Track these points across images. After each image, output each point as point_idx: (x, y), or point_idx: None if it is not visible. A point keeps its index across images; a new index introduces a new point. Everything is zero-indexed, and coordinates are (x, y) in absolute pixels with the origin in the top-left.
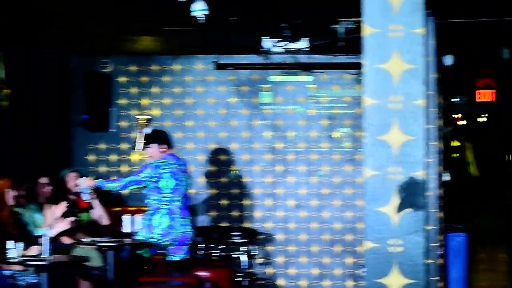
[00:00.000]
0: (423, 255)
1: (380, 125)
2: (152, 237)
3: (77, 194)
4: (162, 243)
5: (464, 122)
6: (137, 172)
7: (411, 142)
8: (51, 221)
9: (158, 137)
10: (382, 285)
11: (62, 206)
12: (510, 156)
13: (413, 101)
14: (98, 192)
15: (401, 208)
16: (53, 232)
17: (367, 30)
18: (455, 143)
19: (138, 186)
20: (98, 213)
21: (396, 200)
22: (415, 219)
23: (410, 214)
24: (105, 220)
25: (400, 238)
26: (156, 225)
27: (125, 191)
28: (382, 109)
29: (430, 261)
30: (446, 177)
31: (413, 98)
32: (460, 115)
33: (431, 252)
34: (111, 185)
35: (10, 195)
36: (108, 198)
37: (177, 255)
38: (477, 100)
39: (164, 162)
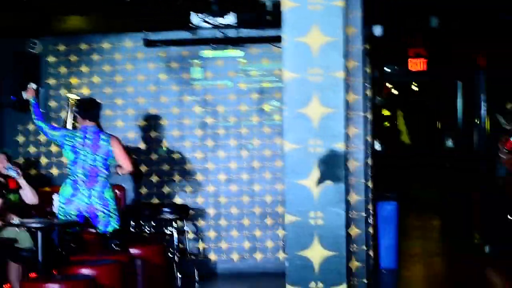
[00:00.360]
0: (344, 227)
1: (300, 99)
2: (59, 207)
3: (6, 176)
4: (68, 213)
5: (396, 92)
6: (53, 127)
7: (331, 114)
8: None
9: (80, 106)
10: (303, 257)
11: None
12: (440, 124)
13: (333, 74)
14: (26, 172)
15: (321, 180)
16: None
17: (286, 4)
18: (387, 113)
19: (43, 134)
20: (27, 193)
21: (316, 173)
22: (336, 192)
23: (331, 187)
24: (34, 200)
25: (321, 211)
26: (61, 193)
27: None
28: (302, 82)
29: (359, 231)
30: (378, 146)
31: (333, 70)
32: (392, 85)
33: (360, 221)
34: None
35: None
36: (36, 179)
37: (103, 227)
38: (409, 69)
39: (71, 133)
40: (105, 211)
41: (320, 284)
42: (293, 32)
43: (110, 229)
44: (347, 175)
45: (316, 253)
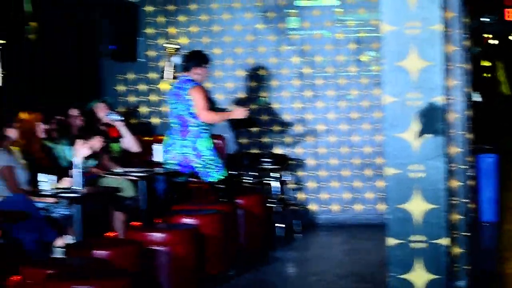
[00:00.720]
0: (444, 180)
1: (398, 52)
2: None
3: (108, 124)
4: (168, 163)
5: (496, 41)
6: None
7: (429, 67)
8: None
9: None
10: (404, 210)
11: (98, 140)
12: None
13: (430, 27)
14: (126, 121)
15: (420, 134)
16: (82, 154)
17: None
18: (486, 63)
19: None
20: (129, 141)
21: (415, 126)
22: (435, 145)
23: (430, 140)
24: (135, 148)
25: (421, 164)
26: (163, 143)
27: None
28: (400, 35)
29: (459, 184)
30: (477, 97)
31: (430, 23)
32: (490, 35)
33: (459, 174)
34: None
35: (40, 129)
36: (136, 128)
37: (204, 178)
38: (506, 19)
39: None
40: (200, 162)
41: (421, 237)
42: None
43: (212, 180)
44: (446, 128)
45: (416, 206)
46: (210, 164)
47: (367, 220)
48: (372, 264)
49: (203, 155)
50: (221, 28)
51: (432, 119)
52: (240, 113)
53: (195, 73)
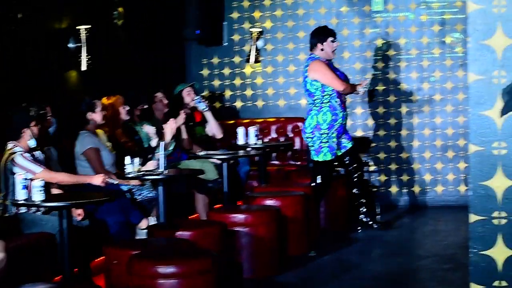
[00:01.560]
0: None
1: (484, 30)
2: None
3: (193, 108)
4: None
5: None
6: None
7: None
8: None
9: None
10: (487, 187)
11: (182, 116)
12: None
13: None
14: (211, 105)
15: (505, 111)
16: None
17: None
18: None
19: None
20: (212, 128)
21: (500, 104)
22: None
23: None
24: (219, 134)
25: (504, 141)
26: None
27: None
28: (486, 13)
29: None
30: None
31: None
32: None
33: None
34: None
35: (124, 112)
36: (221, 112)
37: (314, 156)
38: None
39: None
40: (309, 138)
41: (504, 214)
42: None
43: (321, 157)
44: None
45: (500, 183)
46: (317, 140)
47: (448, 202)
48: (452, 245)
49: (314, 132)
50: (305, 11)
51: None
52: (362, 86)
53: (320, 50)
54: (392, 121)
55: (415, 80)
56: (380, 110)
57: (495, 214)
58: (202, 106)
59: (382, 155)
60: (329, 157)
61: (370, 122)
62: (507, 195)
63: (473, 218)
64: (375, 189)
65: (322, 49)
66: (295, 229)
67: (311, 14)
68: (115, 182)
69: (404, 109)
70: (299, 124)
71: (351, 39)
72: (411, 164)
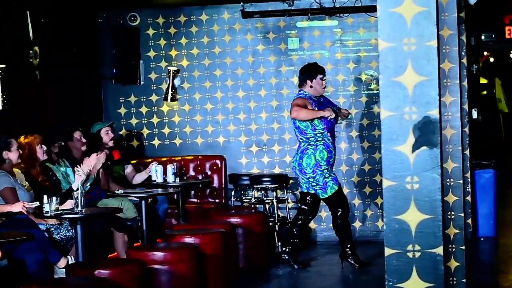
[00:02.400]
0: (439, 191)
1: (395, 67)
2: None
3: (111, 148)
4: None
5: (492, 59)
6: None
7: (425, 82)
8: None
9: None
10: (401, 221)
11: (103, 155)
12: None
13: (426, 43)
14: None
15: (417, 146)
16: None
17: None
18: (484, 81)
19: None
20: (131, 172)
21: (412, 139)
22: (431, 157)
23: (426, 152)
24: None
25: (417, 175)
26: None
27: None
28: (397, 51)
29: (456, 198)
30: (474, 114)
31: (426, 39)
32: (488, 53)
33: (457, 189)
34: None
35: (41, 151)
36: (138, 150)
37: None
38: (507, 37)
39: None
40: (302, 177)
41: (417, 247)
42: (387, 2)
43: (329, 192)
44: (441, 141)
45: (413, 217)
46: (311, 182)
47: (367, 237)
48: (372, 280)
49: (306, 172)
50: (221, 50)
51: (427, 132)
52: (328, 113)
53: (309, 87)
54: None
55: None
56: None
57: (409, 247)
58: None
59: (300, 192)
60: (335, 188)
61: (288, 159)
62: (420, 228)
63: (388, 251)
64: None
65: (311, 86)
66: (214, 266)
67: (228, 52)
68: (35, 205)
69: None
70: (217, 161)
71: (267, 77)
72: None
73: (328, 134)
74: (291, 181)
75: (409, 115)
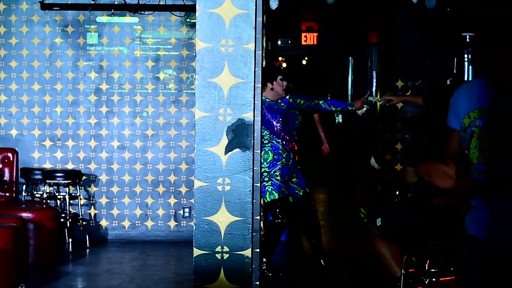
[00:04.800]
0: (250, 194)
1: (212, 68)
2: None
3: None
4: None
5: (285, 64)
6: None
7: (241, 84)
8: None
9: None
10: (211, 222)
11: None
12: (329, 95)
13: (244, 45)
14: None
15: (229, 148)
16: None
17: None
18: None
19: None
20: None
21: (225, 141)
22: (243, 159)
23: (239, 154)
24: None
25: (229, 177)
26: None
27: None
28: (214, 52)
29: (254, 201)
30: None
31: (244, 42)
32: (285, 58)
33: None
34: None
35: None
36: None
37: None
38: (303, 43)
39: None
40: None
41: (226, 248)
42: (206, 3)
43: (268, 197)
44: (254, 144)
45: (223, 218)
46: (264, 180)
47: (158, 237)
48: (163, 280)
49: (262, 168)
50: (18, 41)
51: (241, 135)
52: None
53: (270, 89)
54: (104, 154)
55: (127, 115)
56: (92, 143)
57: (218, 248)
58: None
59: (93, 188)
60: (275, 195)
61: (82, 155)
62: (230, 230)
63: (196, 252)
64: (85, 223)
65: (272, 88)
66: (4, 262)
67: (24, 43)
68: None
69: (115, 143)
70: (9, 154)
71: (64, 71)
72: (122, 198)
73: (278, 136)
74: (84, 178)
75: (224, 117)
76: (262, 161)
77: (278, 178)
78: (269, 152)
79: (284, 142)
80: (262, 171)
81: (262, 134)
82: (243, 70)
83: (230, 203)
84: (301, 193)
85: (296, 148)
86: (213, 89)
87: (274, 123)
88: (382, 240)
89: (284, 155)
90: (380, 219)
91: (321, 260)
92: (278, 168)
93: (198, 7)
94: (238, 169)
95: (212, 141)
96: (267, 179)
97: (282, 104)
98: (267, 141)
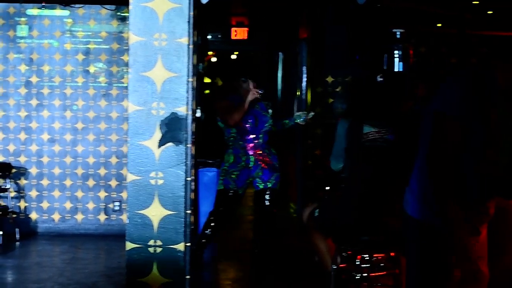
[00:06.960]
0: (183, 188)
1: (145, 62)
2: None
3: None
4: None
5: (215, 59)
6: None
7: (174, 78)
8: None
9: None
10: (144, 216)
11: None
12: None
13: (177, 39)
14: None
15: (162, 142)
16: None
17: None
18: (208, 80)
19: None
20: None
21: (158, 135)
22: (176, 153)
23: (172, 148)
24: None
25: (162, 171)
26: None
27: None
28: (147, 46)
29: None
30: (198, 113)
31: (177, 36)
32: (213, 52)
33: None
34: None
35: None
36: None
37: None
38: (233, 37)
39: None
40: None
41: (159, 242)
42: None
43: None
44: (187, 138)
45: (156, 212)
46: (221, 175)
47: (88, 230)
48: (94, 273)
49: (222, 166)
50: None
51: (174, 129)
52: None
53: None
54: (34, 147)
55: (57, 108)
56: (22, 136)
57: (151, 242)
58: None
59: (23, 181)
60: (221, 187)
61: (12, 147)
62: (163, 224)
63: (129, 245)
64: (15, 215)
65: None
66: None
67: None
68: None
69: (45, 136)
70: None
71: None
72: (52, 191)
73: (240, 139)
74: (14, 170)
75: (157, 111)
76: (225, 162)
77: (233, 177)
78: (231, 154)
79: (246, 144)
80: (221, 168)
81: (230, 132)
82: (176, 64)
83: (163, 197)
84: (261, 186)
85: (259, 151)
86: (146, 83)
87: (243, 123)
88: (318, 233)
89: (243, 159)
90: (318, 210)
91: (256, 250)
92: (237, 169)
93: (131, 0)
94: (171, 163)
95: (145, 135)
96: (223, 175)
97: (257, 106)
98: (231, 143)
